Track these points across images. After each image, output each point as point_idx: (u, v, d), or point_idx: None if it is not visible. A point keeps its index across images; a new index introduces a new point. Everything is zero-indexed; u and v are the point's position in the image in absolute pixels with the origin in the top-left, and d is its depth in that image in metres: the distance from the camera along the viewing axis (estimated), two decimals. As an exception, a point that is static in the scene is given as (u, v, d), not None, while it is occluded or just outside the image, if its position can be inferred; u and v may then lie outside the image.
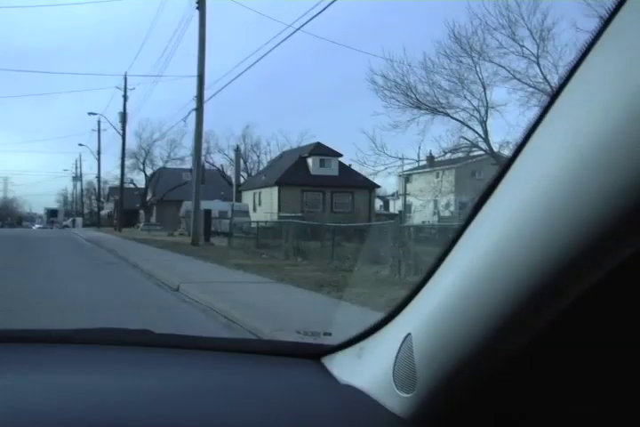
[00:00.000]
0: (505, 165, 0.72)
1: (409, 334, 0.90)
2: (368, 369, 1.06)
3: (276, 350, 1.43)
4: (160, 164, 60.88)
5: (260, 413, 0.99)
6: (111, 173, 69.09)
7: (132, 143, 58.42)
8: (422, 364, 0.86)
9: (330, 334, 1.71)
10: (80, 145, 70.24)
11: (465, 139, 29.01)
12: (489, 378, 0.82)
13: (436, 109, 28.55)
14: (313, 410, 1.01)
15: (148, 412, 0.98)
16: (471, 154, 31.07)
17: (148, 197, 61.87)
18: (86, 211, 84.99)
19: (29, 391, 1.09)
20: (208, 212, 27.59)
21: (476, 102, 28.34)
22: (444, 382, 0.84)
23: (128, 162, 55.33)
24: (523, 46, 26.36)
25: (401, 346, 0.93)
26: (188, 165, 49.03)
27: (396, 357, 0.94)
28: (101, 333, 1.48)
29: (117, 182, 56.32)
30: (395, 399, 0.94)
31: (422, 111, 28.65)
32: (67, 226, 65.70)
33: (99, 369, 1.28)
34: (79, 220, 72.97)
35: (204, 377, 1.20)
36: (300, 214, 33.97)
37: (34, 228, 72.92)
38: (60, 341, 1.45)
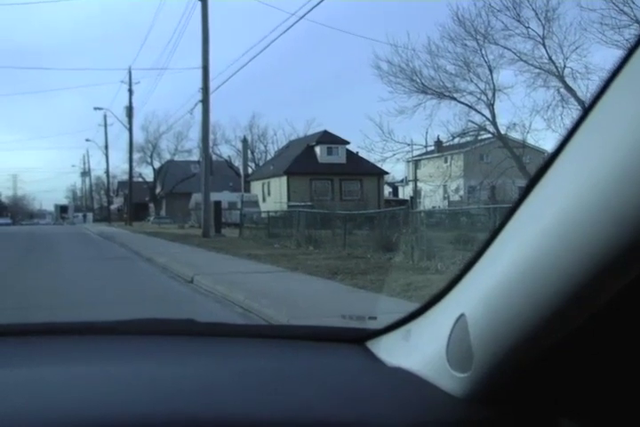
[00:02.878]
0: (561, 142, 0.72)
1: (462, 314, 0.90)
2: (418, 351, 1.06)
3: (320, 335, 1.44)
4: (167, 156, 61.08)
5: (312, 396, 1.00)
6: (119, 167, 69.54)
7: (138, 137, 58.61)
8: (479, 343, 0.86)
9: (375, 318, 1.71)
10: (87, 140, 70.79)
11: (472, 122, 28.85)
12: (545, 357, 0.83)
13: (442, 94, 28.34)
14: (365, 393, 1.02)
15: (200, 399, 0.99)
16: (479, 137, 30.86)
17: (157, 191, 62.01)
18: (96, 206, 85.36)
19: (75, 382, 1.10)
20: (218, 203, 27.64)
21: (482, 85, 28.15)
22: (501, 361, 0.85)
23: (135, 156, 55.53)
24: (528, 28, 26.10)
25: (453, 326, 0.93)
26: (196, 157, 49.19)
27: (449, 337, 0.95)
28: (145, 323, 1.49)
29: (126, 177, 56.47)
30: (449, 379, 0.95)
31: (428, 96, 28.47)
32: (73, 223, 65.07)
33: (147, 358, 1.29)
34: (89, 215, 73.32)
35: (255, 364, 1.21)
36: (309, 203, 33.94)
37: (24, 223, 72.30)
38: (103, 332, 1.47)
